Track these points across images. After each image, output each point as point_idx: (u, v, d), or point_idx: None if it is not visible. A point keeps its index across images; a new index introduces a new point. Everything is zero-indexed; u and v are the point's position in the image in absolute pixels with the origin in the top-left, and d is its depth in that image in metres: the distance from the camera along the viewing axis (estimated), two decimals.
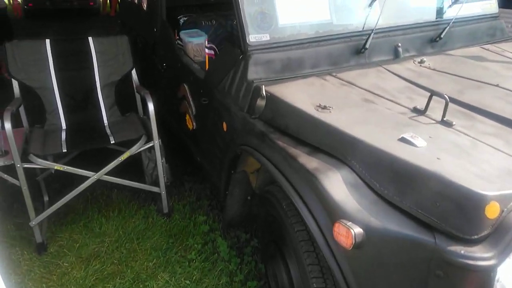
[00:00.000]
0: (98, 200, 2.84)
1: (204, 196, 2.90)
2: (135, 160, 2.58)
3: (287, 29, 1.93)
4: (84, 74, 2.73)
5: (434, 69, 1.97)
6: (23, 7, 9.64)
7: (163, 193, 2.61)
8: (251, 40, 1.85)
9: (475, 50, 2.26)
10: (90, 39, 2.77)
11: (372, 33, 2.03)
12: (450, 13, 2.35)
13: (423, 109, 1.53)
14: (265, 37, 1.88)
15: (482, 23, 2.45)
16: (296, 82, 1.83)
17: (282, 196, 1.62)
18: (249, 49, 1.84)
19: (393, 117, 1.50)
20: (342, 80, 1.85)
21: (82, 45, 2.75)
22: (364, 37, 2.05)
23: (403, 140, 1.30)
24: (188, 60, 2.59)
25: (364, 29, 2.11)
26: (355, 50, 2.06)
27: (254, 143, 1.70)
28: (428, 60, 2.07)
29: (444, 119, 1.45)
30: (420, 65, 2.02)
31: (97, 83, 2.76)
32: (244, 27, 1.84)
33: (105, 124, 2.75)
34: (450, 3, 2.36)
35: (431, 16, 2.32)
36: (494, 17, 2.50)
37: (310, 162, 1.36)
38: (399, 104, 1.62)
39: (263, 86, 1.71)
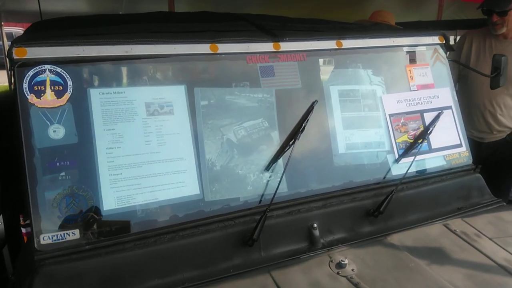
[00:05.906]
0: None
1: None
2: None
3: (117, 216, 1.22)
4: None
5: (357, 285, 1.20)
6: None
7: None
8: (42, 242, 1.12)
9: (434, 231, 1.50)
10: None
11: (267, 211, 1.31)
12: (398, 170, 1.64)
13: None
14: (72, 235, 1.16)
15: (448, 181, 1.70)
16: None
17: None
18: (36, 257, 1.11)
19: None
20: None
21: None
22: (257, 217, 1.32)
23: None
24: None
25: (261, 203, 1.40)
26: (240, 240, 1.33)
27: None
28: (353, 258, 1.30)
29: None
30: (338, 272, 1.25)
31: None
32: (32, 218, 1.12)
33: None
34: (398, 155, 1.65)
35: (369, 176, 1.60)
36: (466, 171, 1.77)
37: None
38: None
39: None
